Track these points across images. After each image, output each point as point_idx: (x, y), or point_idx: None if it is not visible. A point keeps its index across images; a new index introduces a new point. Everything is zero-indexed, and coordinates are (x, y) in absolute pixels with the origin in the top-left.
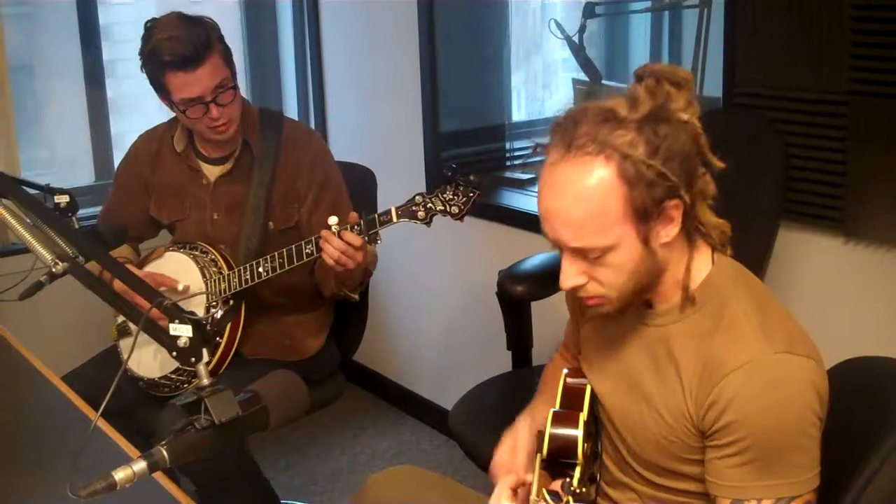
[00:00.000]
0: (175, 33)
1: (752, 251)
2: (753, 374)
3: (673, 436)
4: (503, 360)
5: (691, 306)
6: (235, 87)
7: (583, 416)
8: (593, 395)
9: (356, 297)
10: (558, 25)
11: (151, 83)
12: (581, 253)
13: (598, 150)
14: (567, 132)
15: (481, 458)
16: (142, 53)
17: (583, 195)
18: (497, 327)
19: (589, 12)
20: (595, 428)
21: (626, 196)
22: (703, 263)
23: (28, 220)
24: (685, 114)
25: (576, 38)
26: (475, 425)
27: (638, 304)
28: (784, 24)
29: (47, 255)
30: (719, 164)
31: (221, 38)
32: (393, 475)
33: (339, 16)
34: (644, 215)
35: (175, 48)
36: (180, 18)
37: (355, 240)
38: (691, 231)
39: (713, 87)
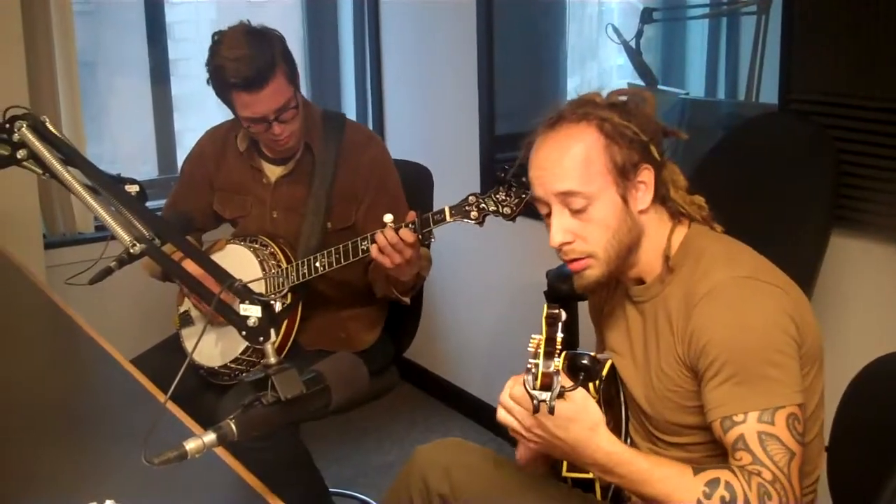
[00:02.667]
0: (240, 53)
1: (803, 257)
2: (716, 296)
3: (673, 385)
4: None
5: (670, 273)
6: (297, 107)
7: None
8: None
9: (407, 300)
10: (615, 30)
11: (218, 96)
12: (567, 203)
13: (580, 118)
14: (551, 118)
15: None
16: (208, 68)
17: (570, 150)
18: None
19: (646, 17)
20: (624, 412)
21: (608, 150)
22: (682, 233)
23: (110, 205)
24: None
25: (632, 43)
26: None
27: (628, 281)
28: (841, 31)
29: (126, 237)
30: (682, 136)
31: (286, 53)
32: (439, 445)
33: (399, 18)
34: (623, 172)
35: (239, 69)
36: (246, 35)
37: (409, 236)
38: (672, 209)
39: (769, 93)
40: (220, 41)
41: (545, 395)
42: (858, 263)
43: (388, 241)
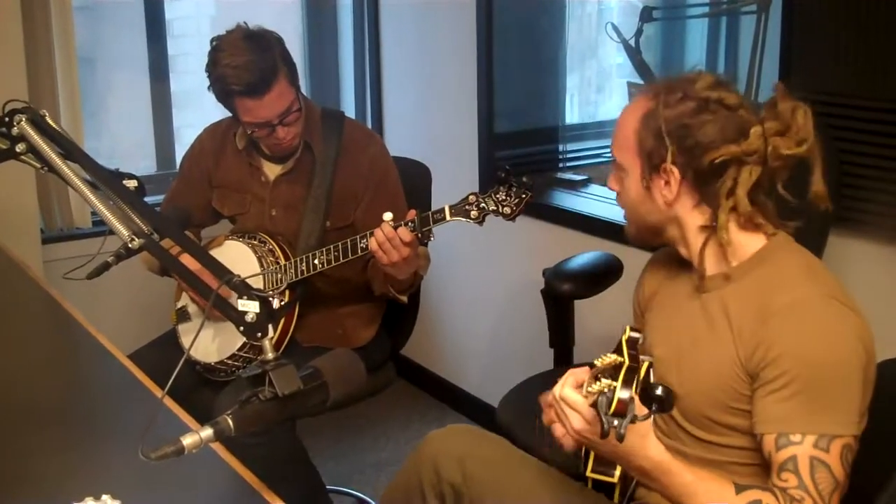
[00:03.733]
0: (241, 60)
1: None
2: (800, 311)
3: (723, 383)
4: (548, 358)
5: (731, 273)
6: (300, 109)
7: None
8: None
9: (404, 299)
10: (615, 28)
11: (220, 102)
12: (615, 163)
13: (645, 91)
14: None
15: (529, 453)
16: (209, 76)
17: (622, 119)
18: (543, 325)
19: (646, 16)
20: None
21: (639, 133)
22: (753, 240)
23: (109, 200)
24: (762, 140)
25: (632, 42)
26: (522, 420)
27: (691, 265)
28: (840, 30)
29: (124, 231)
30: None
31: (286, 55)
32: (453, 431)
33: (399, 14)
34: (648, 158)
35: (241, 76)
36: (245, 40)
37: (406, 235)
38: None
39: (769, 93)
40: (219, 48)
41: (617, 422)
42: (858, 263)
43: (385, 236)
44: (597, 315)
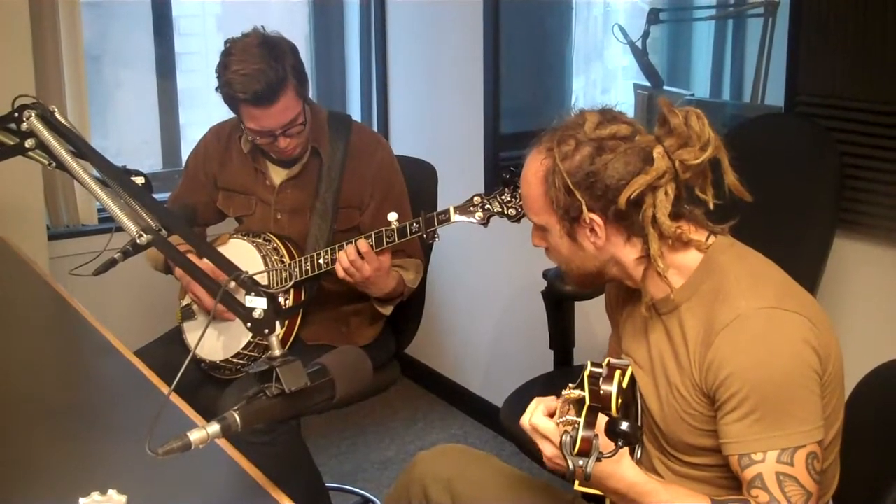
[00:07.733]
0: (250, 68)
1: (806, 260)
2: (741, 328)
3: (689, 408)
4: (550, 359)
5: (686, 293)
6: (305, 122)
7: (619, 373)
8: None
9: (384, 311)
10: (622, 30)
11: (226, 104)
12: (534, 224)
13: (540, 147)
14: (539, 134)
15: (535, 454)
16: (218, 77)
17: (525, 178)
18: (545, 326)
19: (653, 18)
20: (640, 418)
21: (548, 193)
22: (689, 258)
23: (118, 196)
24: (667, 159)
25: (639, 44)
26: None
27: (644, 294)
28: (848, 34)
29: (133, 228)
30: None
31: (297, 66)
32: (440, 452)
33: (406, 14)
34: (566, 214)
35: (248, 85)
36: (258, 47)
37: (363, 246)
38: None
39: (774, 96)
40: (231, 52)
41: (582, 462)
42: (861, 266)
43: (348, 259)
44: (598, 317)
